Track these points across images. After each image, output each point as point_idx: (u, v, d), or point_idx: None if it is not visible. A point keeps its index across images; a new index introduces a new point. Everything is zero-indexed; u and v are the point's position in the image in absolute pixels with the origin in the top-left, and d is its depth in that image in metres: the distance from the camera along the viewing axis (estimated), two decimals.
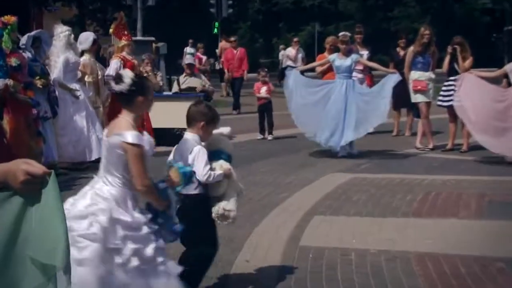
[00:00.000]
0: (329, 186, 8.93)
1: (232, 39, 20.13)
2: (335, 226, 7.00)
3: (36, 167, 2.46)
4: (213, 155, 4.94)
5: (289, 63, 21.74)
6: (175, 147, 5.03)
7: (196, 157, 4.79)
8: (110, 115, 10.59)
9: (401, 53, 13.66)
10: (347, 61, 11.35)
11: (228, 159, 4.98)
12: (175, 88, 13.34)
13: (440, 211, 7.58)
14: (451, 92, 11.41)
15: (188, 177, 4.70)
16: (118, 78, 4.30)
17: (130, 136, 4.14)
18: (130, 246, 4.09)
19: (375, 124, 11.02)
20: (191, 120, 4.92)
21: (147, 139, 4.30)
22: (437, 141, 12.13)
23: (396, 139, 13.43)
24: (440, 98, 11.92)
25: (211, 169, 4.81)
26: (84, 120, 10.39)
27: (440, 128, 12.98)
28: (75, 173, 9.83)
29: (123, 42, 11.61)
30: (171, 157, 4.96)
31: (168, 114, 12.11)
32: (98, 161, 11.73)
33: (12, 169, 2.47)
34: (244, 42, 45.72)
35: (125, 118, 4.27)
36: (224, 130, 5.10)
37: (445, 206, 7.82)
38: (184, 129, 5.01)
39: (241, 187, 5.07)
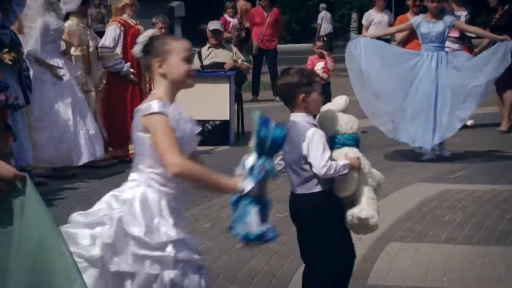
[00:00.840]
0: (411, 200, 8.96)
1: None
2: (418, 256, 7.02)
3: (5, 169, 2.53)
4: (333, 142, 5.01)
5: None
6: None
7: (310, 143, 4.84)
8: (106, 102, 10.69)
9: (496, 15, 13.59)
10: (438, 26, 11.26)
11: (355, 143, 5.08)
12: (195, 65, 13.38)
13: None
14: None
15: (264, 122, 4.27)
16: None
17: (150, 105, 4.20)
18: (147, 270, 4.04)
19: (473, 107, 10.98)
20: (288, 97, 5.04)
21: (180, 112, 4.35)
22: None
23: (505, 137, 13.35)
24: None
25: (332, 159, 4.86)
26: (70, 110, 10.39)
27: None
28: (57, 182, 10.00)
29: (124, 0, 11.71)
30: None
31: (187, 101, 12.13)
32: (88, 166, 11.72)
33: None
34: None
35: (154, 91, 4.41)
36: (339, 101, 5.15)
37: None
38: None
39: (379, 177, 5.15)
